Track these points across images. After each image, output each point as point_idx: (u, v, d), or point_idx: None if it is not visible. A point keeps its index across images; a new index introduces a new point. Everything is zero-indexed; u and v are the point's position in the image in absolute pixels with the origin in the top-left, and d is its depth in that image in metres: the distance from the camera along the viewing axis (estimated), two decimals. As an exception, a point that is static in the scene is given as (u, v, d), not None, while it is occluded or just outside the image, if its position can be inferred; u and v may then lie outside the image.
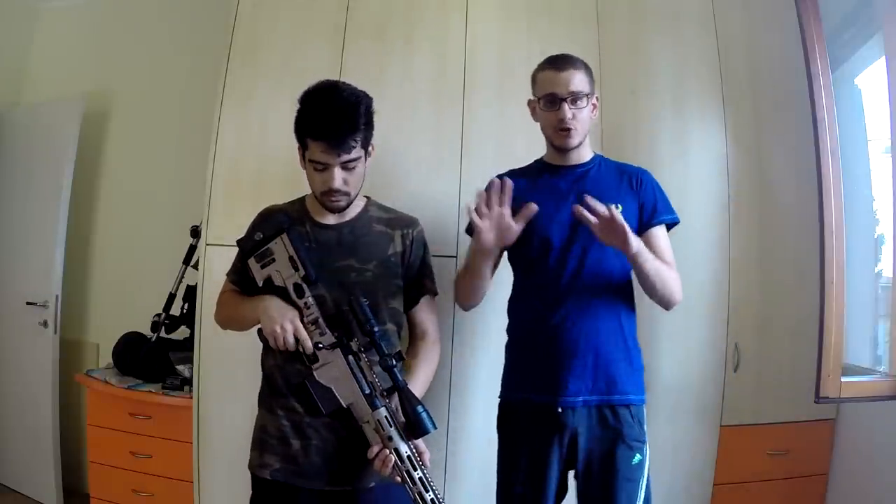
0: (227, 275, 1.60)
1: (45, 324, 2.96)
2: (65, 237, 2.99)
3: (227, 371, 2.04)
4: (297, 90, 2.11)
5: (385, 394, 1.35)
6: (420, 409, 1.31)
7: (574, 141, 1.59)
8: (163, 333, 2.55)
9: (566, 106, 1.54)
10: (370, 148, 1.52)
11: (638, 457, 1.54)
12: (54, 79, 3.30)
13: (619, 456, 1.52)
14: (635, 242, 1.44)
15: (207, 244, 2.07)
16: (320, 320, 1.38)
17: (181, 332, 2.56)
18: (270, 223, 1.45)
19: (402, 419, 1.33)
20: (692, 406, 2.08)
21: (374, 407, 1.33)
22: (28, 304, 3.01)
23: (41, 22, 3.38)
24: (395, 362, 1.33)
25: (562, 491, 1.59)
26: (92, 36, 3.26)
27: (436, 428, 1.33)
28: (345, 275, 1.48)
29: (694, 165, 2.10)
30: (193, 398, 2.06)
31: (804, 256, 2.05)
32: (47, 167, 3.06)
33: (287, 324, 1.36)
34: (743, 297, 2.13)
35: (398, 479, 1.31)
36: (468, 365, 2.04)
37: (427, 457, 1.35)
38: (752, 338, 2.14)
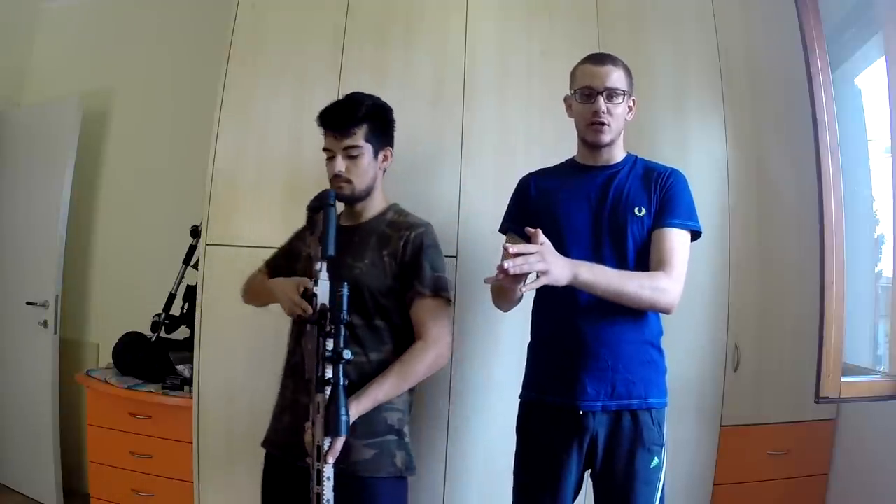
0: (266, 261, 1.77)
1: (45, 324, 2.96)
2: (65, 237, 2.99)
3: (227, 371, 2.04)
4: (297, 90, 2.12)
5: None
6: (342, 412, 1.34)
7: (606, 137, 1.57)
8: (163, 333, 2.55)
9: (601, 99, 1.54)
10: (384, 151, 1.64)
11: (656, 460, 1.53)
12: (54, 79, 3.30)
13: (637, 459, 1.51)
14: (565, 272, 1.37)
15: (207, 244, 2.07)
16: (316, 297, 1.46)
17: (181, 332, 2.56)
18: (318, 197, 1.55)
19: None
20: (692, 406, 2.07)
21: (318, 390, 1.39)
22: (28, 304, 3.01)
23: (41, 22, 3.39)
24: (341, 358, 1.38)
25: (577, 489, 1.59)
26: (92, 36, 3.26)
27: (345, 434, 1.35)
28: (339, 270, 1.53)
29: (694, 166, 2.09)
30: (193, 398, 2.06)
31: (804, 256, 2.05)
32: (47, 167, 3.06)
33: (294, 296, 1.48)
34: (743, 298, 2.13)
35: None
36: (468, 367, 2.04)
37: (331, 458, 1.37)
38: (752, 338, 2.14)
